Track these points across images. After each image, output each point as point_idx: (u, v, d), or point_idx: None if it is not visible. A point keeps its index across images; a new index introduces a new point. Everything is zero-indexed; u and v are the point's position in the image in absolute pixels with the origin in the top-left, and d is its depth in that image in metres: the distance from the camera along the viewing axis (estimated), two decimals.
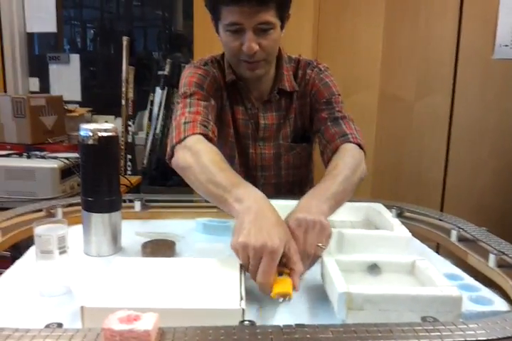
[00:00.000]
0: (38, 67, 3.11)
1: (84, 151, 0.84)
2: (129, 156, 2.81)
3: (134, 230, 0.99)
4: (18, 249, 0.98)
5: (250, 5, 0.99)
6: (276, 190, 1.29)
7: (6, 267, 0.87)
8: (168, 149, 1.00)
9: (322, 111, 1.19)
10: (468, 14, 2.00)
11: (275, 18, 1.04)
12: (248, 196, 0.79)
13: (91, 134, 0.82)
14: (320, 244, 0.76)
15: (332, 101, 1.19)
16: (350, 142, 1.08)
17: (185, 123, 1.01)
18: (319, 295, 0.72)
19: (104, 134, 0.83)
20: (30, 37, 3.07)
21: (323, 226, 0.77)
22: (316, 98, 1.21)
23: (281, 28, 1.10)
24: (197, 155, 0.92)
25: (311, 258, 0.76)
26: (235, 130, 1.25)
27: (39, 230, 0.69)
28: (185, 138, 0.97)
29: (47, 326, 0.54)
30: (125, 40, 2.72)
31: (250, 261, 0.69)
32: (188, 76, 1.17)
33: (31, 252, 0.87)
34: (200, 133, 0.99)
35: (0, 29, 2.92)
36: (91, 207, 0.86)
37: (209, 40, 2.10)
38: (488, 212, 2.07)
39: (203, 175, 0.88)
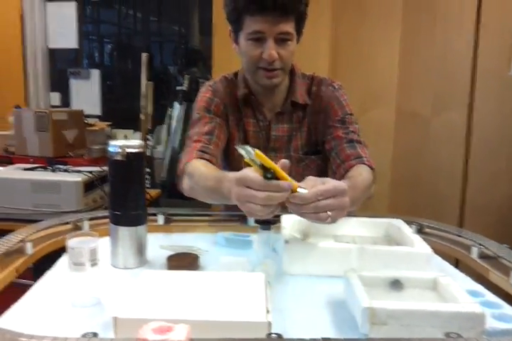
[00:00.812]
0: (58, 82, 3.19)
1: (113, 166, 0.87)
2: (148, 170, 2.85)
3: (158, 243, 1.01)
4: (41, 260, 1.00)
5: (274, 14, 1.08)
6: None
7: (29, 277, 0.90)
8: (178, 180, 1.16)
9: (337, 129, 1.24)
10: (485, 30, 2.02)
11: (293, 30, 1.13)
12: (230, 186, 0.84)
13: (119, 150, 0.85)
14: (330, 213, 0.80)
15: (346, 120, 1.25)
16: (365, 164, 1.15)
17: (185, 153, 1.17)
18: (342, 309, 0.73)
19: (132, 150, 0.86)
20: (51, 52, 3.16)
21: (345, 209, 0.82)
22: (329, 115, 1.27)
23: (297, 41, 1.18)
24: (192, 176, 1.08)
25: (314, 211, 0.79)
26: (243, 142, 1.30)
27: (72, 243, 0.72)
28: (184, 166, 1.13)
29: (83, 335, 0.56)
30: (144, 56, 2.78)
31: (246, 199, 0.77)
32: (198, 100, 1.30)
33: (61, 263, 0.89)
34: (195, 158, 1.13)
35: (23, 45, 3.01)
36: (118, 221, 0.88)
37: (228, 56, 2.16)
38: (507, 225, 2.06)
39: (202, 189, 1.04)
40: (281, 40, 1.13)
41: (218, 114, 1.26)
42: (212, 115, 1.25)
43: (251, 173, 0.78)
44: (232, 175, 0.85)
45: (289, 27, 1.11)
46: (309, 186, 0.81)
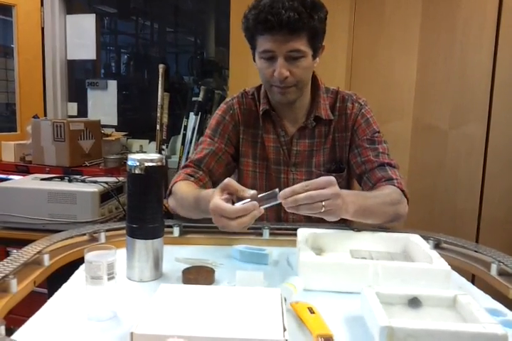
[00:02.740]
0: (76, 93, 3.24)
1: (131, 180, 0.88)
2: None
3: (174, 255, 1.01)
4: None
5: (282, 33, 1.08)
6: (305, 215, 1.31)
7: (43, 285, 0.90)
8: (167, 199, 1.23)
9: (366, 150, 1.24)
10: (504, 43, 2.01)
11: (306, 47, 1.12)
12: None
13: (138, 164, 0.86)
14: (323, 203, 0.87)
15: (375, 140, 1.25)
16: (395, 186, 1.16)
17: (176, 175, 1.26)
18: (359, 327, 0.72)
19: (151, 164, 0.86)
20: (70, 63, 3.21)
21: (337, 197, 0.88)
22: (357, 134, 1.27)
23: (314, 57, 1.17)
24: (175, 195, 1.19)
25: (308, 201, 0.86)
26: (263, 157, 1.31)
27: (89, 256, 0.72)
28: (172, 186, 1.22)
29: None
30: (161, 67, 2.81)
31: (223, 227, 0.88)
32: (212, 117, 1.35)
33: (77, 276, 0.90)
34: (181, 180, 1.22)
35: (43, 57, 3.06)
36: (135, 234, 0.88)
37: (244, 67, 2.17)
38: None
39: (183, 207, 1.16)
40: (293, 57, 1.12)
41: (225, 133, 1.30)
42: (217, 137, 1.29)
43: (222, 203, 0.86)
44: (206, 195, 0.97)
45: (299, 44, 1.10)
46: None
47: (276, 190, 0.88)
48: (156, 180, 0.88)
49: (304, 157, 1.29)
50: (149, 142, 3.00)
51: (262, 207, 0.87)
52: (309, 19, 1.08)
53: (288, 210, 0.88)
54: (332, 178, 0.89)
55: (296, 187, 0.87)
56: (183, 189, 1.17)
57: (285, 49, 1.10)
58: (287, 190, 0.87)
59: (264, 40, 1.12)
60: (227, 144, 1.31)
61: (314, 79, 1.29)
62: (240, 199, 0.89)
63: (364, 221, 1.05)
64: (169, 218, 1.21)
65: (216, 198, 0.88)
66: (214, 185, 1.25)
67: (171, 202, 1.22)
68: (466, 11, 2.04)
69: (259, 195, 0.88)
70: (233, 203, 0.89)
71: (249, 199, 0.87)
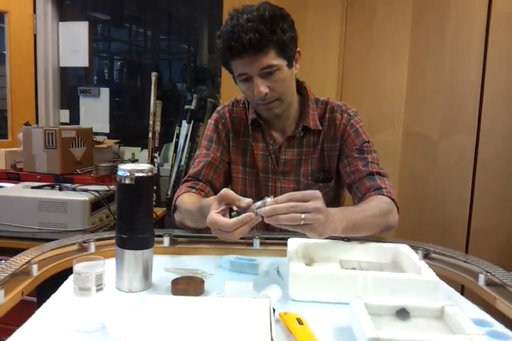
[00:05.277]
0: (68, 100, 3.23)
1: (121, 190, 0.88)
2: (154, 187, 2.86)
3: (163, 265, 1.00)
4: None
5: (248, 55, 1.10)
6: None
7: (33, 295, 0.90)
8: (172, 214, 1.28)
9: (355, 159, 1.25)
10: (493, 53, 2.03)
11: (278, 59, 1.13)
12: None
13: (128, 174, 0.86)
14: (303, 216, 0.84)
15: (364, 149, 1.26)
16: (384, 195, 1.16)
17: (178, 189, 1.29)
18: (348, 337, 0.73)
19: (141, 174, 0.86)
20: (62, 70, 3.20)
21: (319, 211, 0.85)
22: (346, 144, 1.28)
23: (290, 65, 1.18)
24: (179, 209, 1.22)
25: (287, 211, 0.84)
26: (253, 165, 1.33)
27: (78, 268, 0.72)
28: (175, 201, 1.25)
29: None
30: (154, 75, 2.81)
31: (223, 237, 0.89)
32: (207, 127, 1.38)
33: (65, 286, 0.89)
34: (183, 193, 1.25)
35: (35, 64, 3.06)
36: (125, 244, 0.88)
37: None
38: None
39: (189, 220, 1.18)
40: (267, 73, 1.14)
41: (220, 142, 1.33)
42: (213, 147, 1.32)
43: (218, 218, 0.87)
44: (208, 204, 0.95)
45: (270, 60, 1.12)
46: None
47: (268, 198, 0.88)
48: (146, 190, 0.88)
49: (292, 166, 1.30)
50: (141, 150, 3.00)
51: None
52: (272, 34, 1.09)
53: (266, 221, 0.86)
54: (317, 192, 0.87)
55: (280, 197, 0.86)
56: (185, 201, 1.20)
57: (257, 68, 1.12)
58: (272, 201, 0.86)
59: (236, 65, 1.15)
60: (223, 152, 1.33)
61: (303, 89, 1.31)
62: (238, 207, 0.89)
63: (354, 235, 1.05)
64: (160, 227, 1.21)
65: (212, 212, 0.88)
66: (216, 194, 1.26)
67: (177, 217, 1.24)
68: (456, 20, 2.06)
69: (254, 204, 0.88)
70: (231, 210, 0.89)
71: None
